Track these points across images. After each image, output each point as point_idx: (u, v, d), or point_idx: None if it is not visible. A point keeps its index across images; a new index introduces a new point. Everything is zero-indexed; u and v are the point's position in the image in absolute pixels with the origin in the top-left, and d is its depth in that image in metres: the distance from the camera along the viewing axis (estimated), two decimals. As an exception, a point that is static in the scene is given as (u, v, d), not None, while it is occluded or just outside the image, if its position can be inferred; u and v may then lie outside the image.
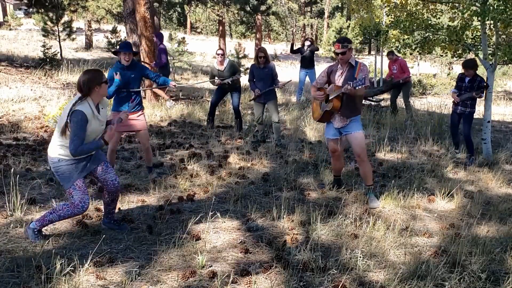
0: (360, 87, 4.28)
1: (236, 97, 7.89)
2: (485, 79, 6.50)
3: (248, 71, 7.18)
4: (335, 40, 22.24)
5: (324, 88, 4.71)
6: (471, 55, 7.58)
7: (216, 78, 7.75)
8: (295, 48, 11.68)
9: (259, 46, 7.46)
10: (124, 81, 5.00)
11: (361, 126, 4.66)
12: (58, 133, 3.45)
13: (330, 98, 4.54)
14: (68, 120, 3.35)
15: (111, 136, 3.60)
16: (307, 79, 11.41)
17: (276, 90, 7.17)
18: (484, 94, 6.71)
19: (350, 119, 4.59)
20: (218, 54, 7.63)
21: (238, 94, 7.93)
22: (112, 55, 20.47)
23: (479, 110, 11.98)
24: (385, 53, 13.37)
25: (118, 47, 5.19)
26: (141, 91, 5.43)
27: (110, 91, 4.89)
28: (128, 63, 5.02)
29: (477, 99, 6.35)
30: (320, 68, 11.32)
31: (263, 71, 6.92)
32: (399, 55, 9.74)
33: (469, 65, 6.25)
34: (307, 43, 11.23)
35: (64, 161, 3.45)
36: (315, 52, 11.62)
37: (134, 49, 10.03)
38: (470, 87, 6.21)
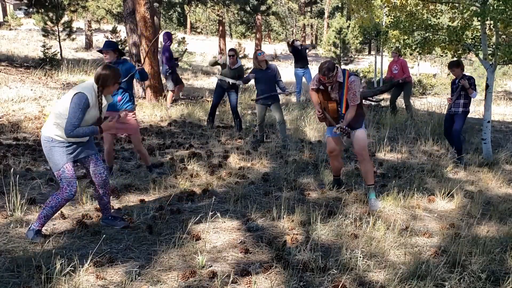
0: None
1: (234, 97, 7.91)
2: (485, 79, 6.49)
3: (251, 73, 7.20)
4: (335, 40, 22.23)
5: (321, 90, 4.65)
6: (471, 55, 7.57)
7: (221, 72, 7.88)
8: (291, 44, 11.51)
9: (257, 48, 7.61)
10: None
11: (364, 125, 4.65)
12: (56, 112, 3.47)
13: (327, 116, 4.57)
14: (70, 100, 3.40)
15: (108, 126, 3.58)
16: (304, 79, 11.39)
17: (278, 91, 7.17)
18: (484, 94, 6.70)
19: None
20: (230, 56, 7.71)
21: (236, 94, 7.95)
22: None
23: (479, 110, 12.00)
24: (385, 54, 13.37)
25: None
26: (133, 88, 5.44)
27: None
28: (108, 60, 5.02)
29: (471, 99, 6.30)
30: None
31: (266, 73, 6.89)
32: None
33: (453, 64, 6.23)
34: (297, 43, 11.16)
35: (57, 142, 3.48)
36: (309, 50, 11.62)
37: (134, 50, 9.98)
38: (462, 87, 6.21)
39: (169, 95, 10.10)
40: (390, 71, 9.91)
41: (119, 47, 6.48)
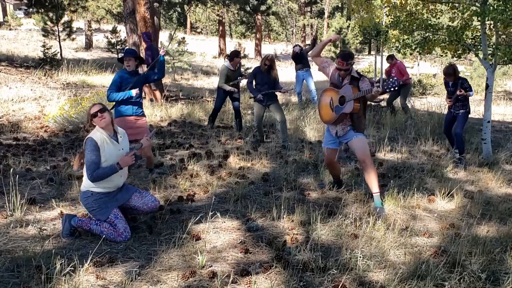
0: (392, 89, 4.19)
1: (237, 103, 7.91)
2: (485, 79, 6.49)
3: (251, 72, 7.19)
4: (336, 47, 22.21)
5: (335, 90, 4.57)
6: (471, 55, 7.57)
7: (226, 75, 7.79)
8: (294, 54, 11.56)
9: (270, 55, 7.44)
10: (128, 87, 5.07)
11: (363, 133, 4.57)
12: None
13: (347, 100, 4.39)
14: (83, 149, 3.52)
15: (126, 161, 3.62)
16: (304, 81, 11.38)
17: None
18: (484, 94, 6.70)
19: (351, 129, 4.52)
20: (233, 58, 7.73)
21: (238, 94, 7.95)
22: (112, 55, 20.56)
23: (479, 110, 12.00)
24: (385, 54, 13.39)
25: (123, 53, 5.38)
26: (142, 93, 5.50)
27: (112, 97, 5.10)
28: (130, 68, 5.13)
29: (469, 98, 6.31)
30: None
31: (267, 76, 6.88)
32: (397, 59, 9.77)
33: (449, 72, 6.23)
34: (297, 48, 11.15)
35: (96, 194, 3.58)
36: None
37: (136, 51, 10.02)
38: (454, 90, 6.23)
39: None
40: (390, 74, 9.94)
41: (119, 47, 6.50)
